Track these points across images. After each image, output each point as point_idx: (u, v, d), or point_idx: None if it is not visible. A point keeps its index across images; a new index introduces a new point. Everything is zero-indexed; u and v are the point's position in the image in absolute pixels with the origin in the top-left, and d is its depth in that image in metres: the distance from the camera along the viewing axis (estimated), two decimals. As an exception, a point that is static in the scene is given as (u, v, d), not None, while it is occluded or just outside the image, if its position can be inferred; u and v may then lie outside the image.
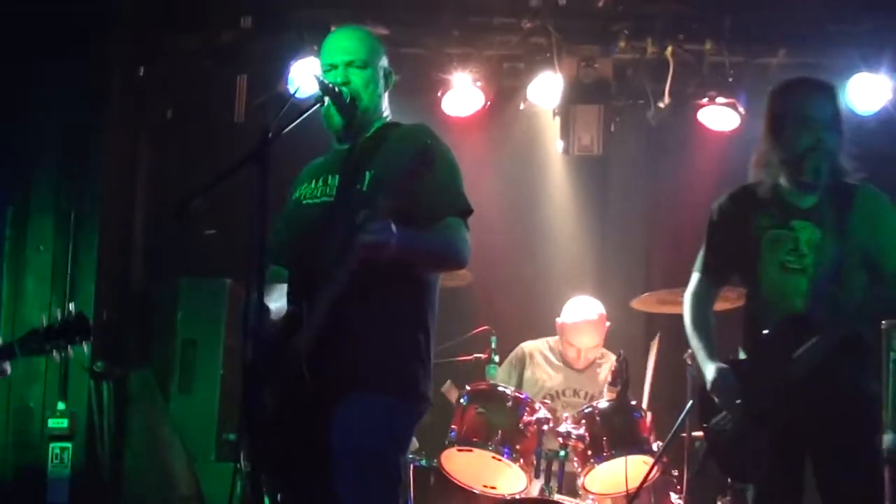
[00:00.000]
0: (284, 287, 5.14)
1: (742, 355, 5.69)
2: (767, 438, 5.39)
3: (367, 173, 4.98)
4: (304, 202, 5.14)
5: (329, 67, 5.20)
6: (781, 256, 5.48)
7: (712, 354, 5.59)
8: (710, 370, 5.54)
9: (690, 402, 6.73)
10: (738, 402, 5.46)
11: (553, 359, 8.16)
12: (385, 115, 5.33)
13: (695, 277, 5.83)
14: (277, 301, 5.10)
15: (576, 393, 8.00)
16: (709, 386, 5.54)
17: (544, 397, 7.84)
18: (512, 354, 8.19)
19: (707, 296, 5.82)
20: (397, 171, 4.67)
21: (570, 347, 8.06)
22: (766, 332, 5.49)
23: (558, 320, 8.12)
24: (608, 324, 8.15)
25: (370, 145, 5.15)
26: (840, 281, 5.38)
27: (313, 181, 5.21)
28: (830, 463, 5.42)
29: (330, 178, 5.14)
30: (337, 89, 5.11)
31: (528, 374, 8.12)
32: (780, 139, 5.47)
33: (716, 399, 5.54)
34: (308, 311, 4.84)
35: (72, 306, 5.65)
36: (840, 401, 5.31)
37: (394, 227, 4.56)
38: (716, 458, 5.72)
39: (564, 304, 8.14)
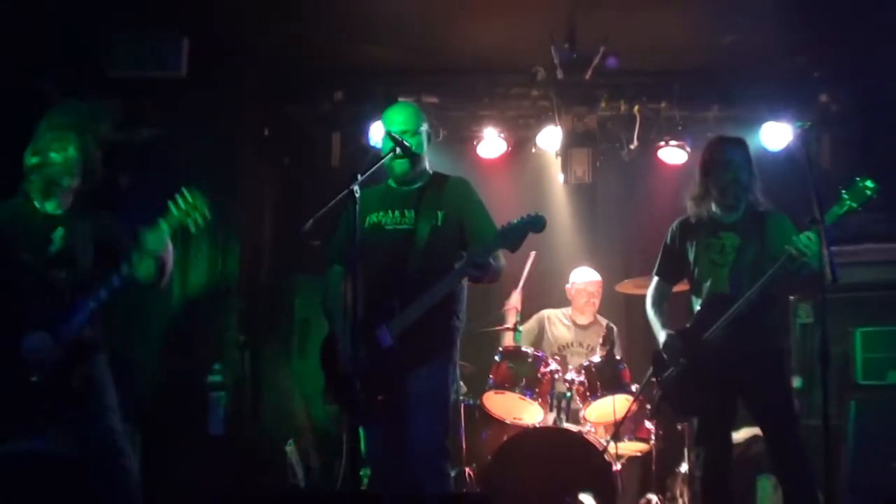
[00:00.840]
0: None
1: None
2: (704, 384, 5.63)
3: (439, 213, 5.25)
4: (386, 227, 5.28)
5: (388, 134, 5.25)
6: (711, 255, 5.78)
7: (664, 326, 5.94)
8: (661, 336, 5.91)
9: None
10: (681, 359, 5.73)
11: (565, 321, 8.15)
12: (427, 165, 5.47)
13: (654, 279, 6.18)
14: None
15: (580, 345, 7.97)
16: (661, 347, 5.86)
17: (559, 348, 7.82)
18: (536, 316, 8.21)
19: (662, 291, 6.15)
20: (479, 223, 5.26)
21: (578, 303, 8.13)
22: (698, 307, 5.83)
23: (569, 284, 8.23)
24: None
25: (434, 192, 5.35)
26: (755, 272, 5.58)
27: (388, 212, 5.33)
28: (759, 397, 5.63)
29: (406, 211, 5.30)
30: (403, 141, 5.17)
31: (547, 332, 8.10)
32: (710, 177, 5.80)
33: (665, 357, 5.81)
34: (400, 304, 5.06)
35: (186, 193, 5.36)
36: (758, 353, 5.60)
37: (491, 262, 5.01)
38: (668, 401, 6.00)
39: (571, 273, 8.29)
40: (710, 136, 6.17)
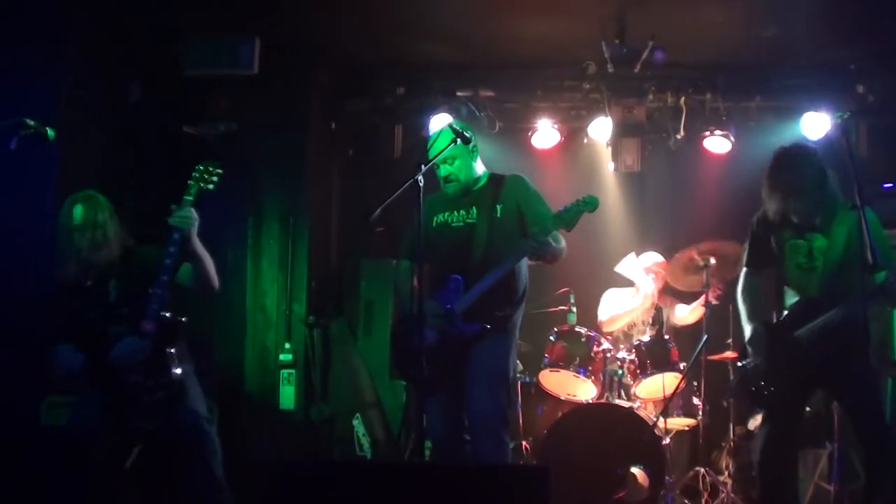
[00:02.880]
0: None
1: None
2: (783, 379, 5.34)
3: (498, 207, 5.44)
4: (452, 225, 5.52)
5: (438, 163, 5.53)
6: (798, 260, 5.44)
7: (752, 318, 5.54)
8: (748, 329, 5.54)
9: (705, 336, 6.63)
10: (764, 352, 5.42)
11: (637, 297, 7.95)
12: (484, 169, 5.69)
13: (744, 270, 5.72)
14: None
15: (644, 323, 7.80)
16: (747, 339, 5.52)
17: (631, 320, 7.85)
18: (607, 293, 8.11)
19: (752, 282, 5.68)
20: (534, 207, 5.35)
21: (654, 278, 7.96)
22: (788, 309, 5.46)
23: (640, 265, 8.05)
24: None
25: (492, 190, 5.55)
26: (844, 276, 5.25)
27: (454, 211, 5.56)
28: (849, 393, 5.31)
29: (470, 209, 5.52)
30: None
31: (625, 303, 7.98)
32: (782, 199, 5.39)
33: (749, 348, 5.49)
34: (465, 285, 5.26)
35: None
36: (845, 358, 5.17)
37: (550, 241, 5.13)
38: (744, 387, 5.58)
39: (640, 256, 8.13)
40: (777, 149, 5.58)
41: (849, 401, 5.37)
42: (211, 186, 5.43)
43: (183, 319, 5.44)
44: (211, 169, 5.43)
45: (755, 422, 6.51)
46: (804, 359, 5.26)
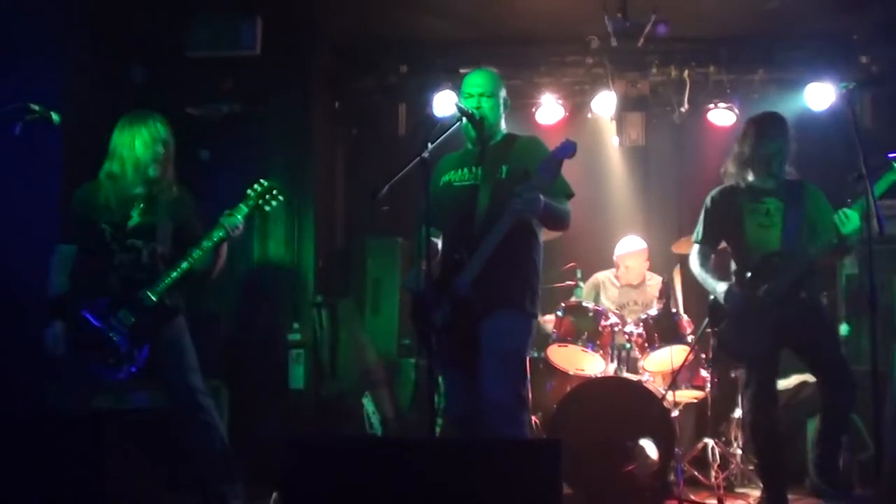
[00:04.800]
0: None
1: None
2: (756, 331, 5.69)
3: (503, 167, 5.20)
4: (454, 184, 5.34)
5: (468, 95, 5.30)
6: (758, 219, 5.83)
7: (720, 280, 5.93)
8: (720, 289, 5.87)
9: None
10: (739, 310, 5.74)
11: (616, 283, 8.06)
12: (504, 128, 5.42)
13: (695, 247, 6.14)
14: None
15: (635, 303, 7.91)
16: (721, 298, 5.83)
17: (616, 308, 7.73)
18: (589, 282, 8.09)
19: (705, 254, 6.09)
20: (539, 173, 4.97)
21: (623, 270, 7.98)
22: (751, 267, 5.80)
23: (615, 254, 8.08)
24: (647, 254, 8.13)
25: (501, 149, 5.31)
26: (797, 234, 5.71)
27: (459, 170, 5.35)
28: (815, 347, 5.78)
29: (474, 168, 5.30)
30: (469, 110, 5.21)
31: (602, 295, 8.02)
32: (755, 147, 5.84)
33: (725, 305, 5.81)
34: (468, 256, 4.99)
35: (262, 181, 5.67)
36: (807, 309, 5.71)
37: (541, 196, 4.87)
38: (724, 348, 6.03)
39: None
40: (753, 117, 6.06)
41: (808, 339, 5.76)
42: (267, 208, 5.65)
43: (179, 308, 5.53)
44: (275, 191, 5.62)
45: (784, 382, 6.54)
46: (773, 315, 5.63)
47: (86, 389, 5.41)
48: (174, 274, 5.40)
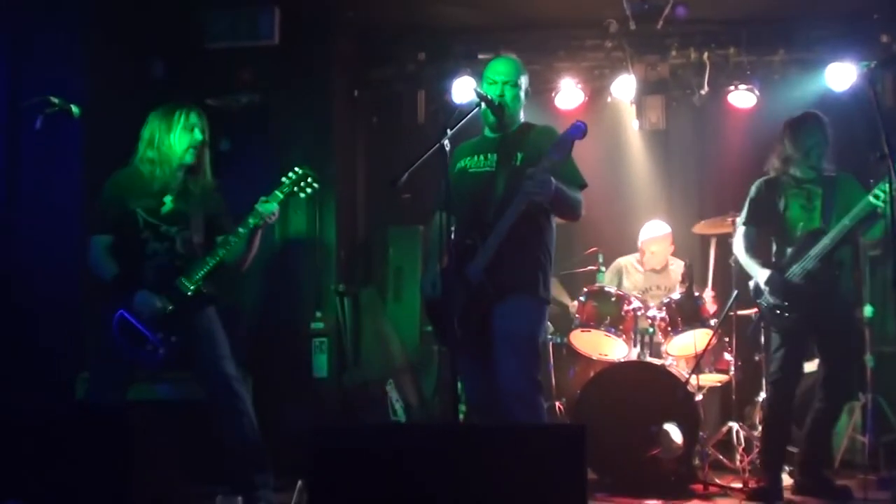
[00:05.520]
0: None
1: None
2: (791, 316, 6.06)
3: (519, 154, 5.19)
4: (469, 171, 5.35)
5: (491, 82, 5.30)
6: (800, 202, 6.16)
7: (764, 265, 6.22)
8: (763, 274, 6.18)
9: (735, 291, 6.61)
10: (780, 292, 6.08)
11: (640, 268, 8.02)
12: (521, 117, 5.41)
13: (741, 228, 6.43)
14: None
15: (658, 287, 7.86)
16: (763, 282, 6.15)
17: (638, 294, 7.70)
18: (613, 265, 8.06)
19: (751, 237, 6.38)
20: (550, 154, 4.94)
21: (648, 255, 7.93)
22: (792, 247, 6.13)
23: (639, 240, 8.00)
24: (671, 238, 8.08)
25: (517, 137, 5.30)
26: (835, 215, 6.01)
27: (474, 156, 5.34)
28: (828, 352, 6.20)
29: (489, 155, 5.28)
30: (489, 96, 5.20)
31: (624, 281, 7.98)
32: (796, 141, 6.20)
33: (767, 289, 6.13)
34: (481, 242, 4.98)
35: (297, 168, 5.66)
36: (839, 313, 6.13)
37: (553, 180, 4.85)
38: (765, 320, 6.34)
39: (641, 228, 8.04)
40: (793, 115, 6.38)
41: (828, 345, 6.15)
42: (302, 195, 5.66)
43: (215, 296, 5.54)
44: (310, 179, 5.62)
45: (811, 364, 6.56)
46: (807, 298, 6.00)
47: (121, 380, 5.42)
48: (211, 262, 5.40)
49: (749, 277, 6.31)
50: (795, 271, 6.03)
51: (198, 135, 5.51)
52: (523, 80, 5.39)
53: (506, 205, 5.03)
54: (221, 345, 5.50)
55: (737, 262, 6.66)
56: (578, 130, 4.93)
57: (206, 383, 5.50)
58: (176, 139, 5.46)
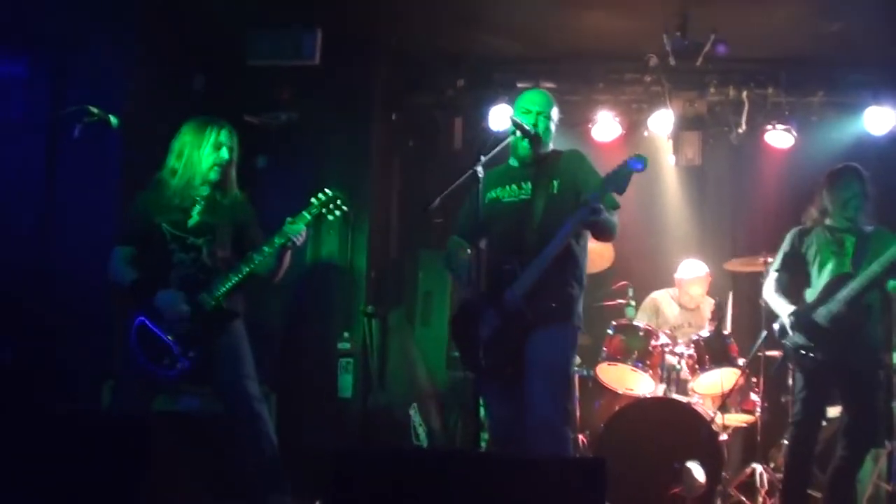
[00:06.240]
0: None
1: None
2: (821, 349, 6.01)
3: (555, 182, 5.24)
4: (504, 200, 5.35)
5: (526, 111, 5.33)
6: (832, 248, 6.16)
7: (791, 304, 6.18)
8: (788, 310, 6.16)
9: (764, 332, 6.56)
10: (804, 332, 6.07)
11: (673, 303, 7.96)
12: (550, 146, 5.46)
13: (773, 274, 6.40)
14: None
15: (689, 325, 7.83)
16: (787, 316, 6.12)
17: (671, 329, 7.67)
18: (648, 300, 8.04)
19: (782, 281, 6.35)
20: (591, 181, 5.14)
21: (684, 295, 7.88)
22: (826, 283, 6.10)
23: (676, 276, 7.95)
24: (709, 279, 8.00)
25: (549, 165, 5.35)
26: (867, 262, 5.98)
27: (506, 186, 5.38)
28: (851, 403, 6.13)
29: (524, 184, 5.32)
30: (524, 124, 5.22)
31: (661, 313, 7.95)
32: (833, 192, 6.20)
33: (790, 322, 6.10)
34: (520, 268, 5.06)
35: (327, 190, 5.60)
36: (865, 362, 6.01)
37: (603, 207, 4.91)
38: (790, 360, 6.32)
39: (679, 265, 7.99)
40: (833, 167, 6.37)
41: (849, 374, 6.01)
42: (330, 217, 5.60)
43: (237, 312, 5.51)
44: (339, 201, 5.56)
45: (834, 410, 6.50)
46: (832, 347, 5.96)
47: (145, 390, 5.40)
48: (234, 278, 5.36)
49: (777, 318, 6.27)
50: (822, 313, 6.00)
51: (224, 154, 5.50)
52: (555, 113, 5.44)
53: (546, 231, 5.07)
54: (245, 363, 5.47)
55: (766, 302, 6.62)
56: (639, 163, 4.92)
57: (227, 401, 5.47)
58: (203, 156, 5.47)
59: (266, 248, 5.39)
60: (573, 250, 5.22)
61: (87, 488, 4.35)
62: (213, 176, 5.49)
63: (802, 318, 6.06)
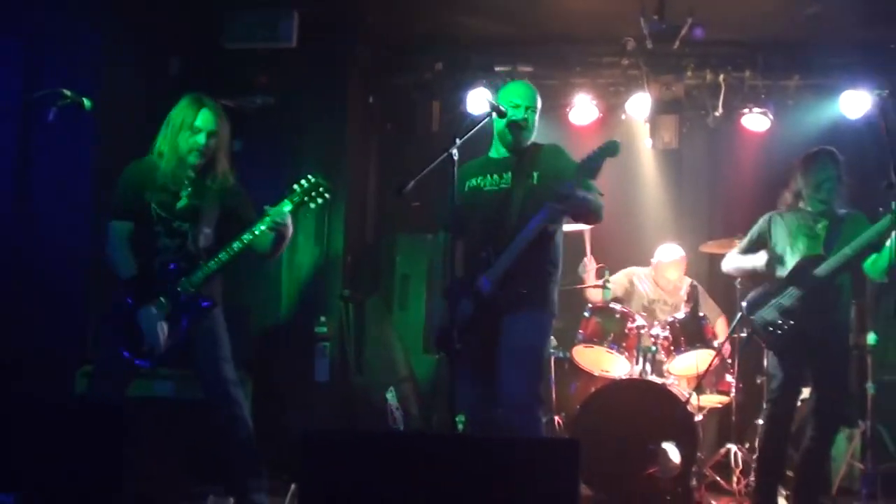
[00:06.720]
0: None
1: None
2: (790, 327, 6.07)
3: (535, 173, 5.28)
4: (484, 189, 5.37)
5: (515, 105, 5.37)
6: (804, 231, 6.18)
7: (761, 255, 6.34)
8: (760, 260, 6.33)
9: (740, 313, 6.57)
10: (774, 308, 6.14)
11: (649, 281, 7.96)
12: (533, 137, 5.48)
13: (736, 253, 6.57)
14: None
15: (665, 302, 7.83)
16: (763, 264, 6.31)
17: (648, 303, 7.75)
18: (626, 271, 8.02)
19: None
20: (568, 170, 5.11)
21: (661, 278, 7.89)
22: (797, 265, 6.11)
23: (653, 260, 7.96)
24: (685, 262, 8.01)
25: (530, 156, 5.39)
26: (837, 247, 6.00)
27: (487, 176, 5.41)
28: (820, 384, 6.14)
29: (504, 174, 5.36)
30: (501, 107, 5.23)
31: (637, 287, 7.93)
32: (809, 174, 6.19)
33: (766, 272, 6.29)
34: (494, 256, 5.09)
35: (310, 176, 5.55)
36: (832, 331, 6.09)
37: (579, 193, 4.95)
38: (758, 336, 6.27)
39: (657, 248, 8.00)
40: (808, 150, 6.38)
41: (818, 354, 6.05)
42: (312, 205, 5.54)
43: (215, 305, 5.49)
44: (322, 189, 5.52)
45: (808, 390, 6.56)
46: (802, 329, 6.01)
47: (122, 376, 5.39)
48: (212, 265, 5.36)
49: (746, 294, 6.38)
50: (792, 293, 6.04)
51: (200, 139, 5.44)
52: (539, 105, 5.48)
53: (524, 221, 5.10)
54: (222, 346, 5.47)
55: (742, 283, 6.67)
56: (610, 149, 4.98)
57: (204, 385, 5.48)
58: (181, 139, 5.45)
59: (245, 236, 5.35)
60: (547, 238, 5.25)
61: (65, 475, 4.35)
62: (193, 160, 5.45)
63: (771, 297, 6.11)
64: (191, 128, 5.43)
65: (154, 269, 5.36)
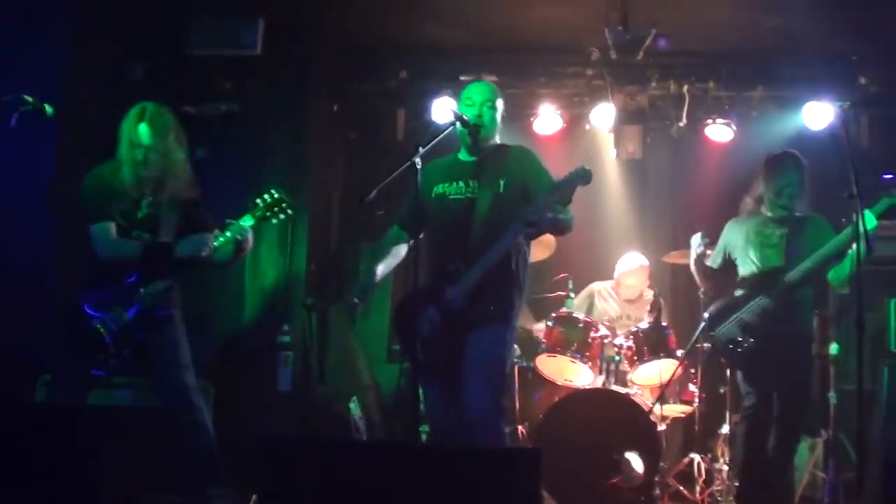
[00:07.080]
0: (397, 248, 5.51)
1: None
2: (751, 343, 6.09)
3: (501, 181, 5.22)
4: (449, 197, 5.32)
5: (470, 103, 5.33)
6: (762, 239, 6.19)
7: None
8: (716, 307, 6.36)
9: (702, 324, 6.60)
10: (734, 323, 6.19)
11: (613, 295, 8.01)
12: (497, 138, 5.42)
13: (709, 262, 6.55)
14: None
15: (628, 317, 7.85)
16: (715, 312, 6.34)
17: (608, 321, 7.69)
18: (586, 290, 8.06)
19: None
20: (539, 183, 5.16)
21: (624, 287, 7.92)
22: (757, 276, 6.15)
23: (615, 271, 7.98)
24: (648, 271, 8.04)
25: (496, 160, 5.31)
26: (799, 255, 6.03)
27: (452, 182, 5.34)
28: (782, 393, 6.11)
29: (470, 181, 5.29)
30: (466, 117, 5.21)
31: (597, 304, 7.98)
32: (770, 179, 6.20)
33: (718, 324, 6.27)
34: (464, 268, 5.07)
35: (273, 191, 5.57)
36: (794, 342, 6.11)
37: (549, 213, 4.96)
38: (719, 353, 6.44)
39: (619, 259, 8.00)
40: (770, 153, 6.41)
41: (778, 367, 6.03)
42: (275, 221, 5.61)
43: (173, 315, 5.47)
44: (285, 204, 5.55)
45: None
46: (757, 333, 6.05)
47: (81, 385, 5.36)
48: (171, 275, 5.37)
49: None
50: (751, 307, 6.08)
51: (138, 154, 5.39)
52: (500, 104, 5.42)
53: (489, 230, 5.09)
54: (182, 354, 5.46)
55: (706, 293, 6.69)
56: (584, 177, 5.02)
57: (164, 392, 5.45)
58: (126, 151, 5.42)
59: (203, 252, 5.36)
60: (515, 253, 5.23)
61: (23, 485, 4.30)
62: (140, 171, 5.41)
63: (731, 311, 6.15)
64: (130, 142, 5.40)
65: (112, 278, 5.32)
